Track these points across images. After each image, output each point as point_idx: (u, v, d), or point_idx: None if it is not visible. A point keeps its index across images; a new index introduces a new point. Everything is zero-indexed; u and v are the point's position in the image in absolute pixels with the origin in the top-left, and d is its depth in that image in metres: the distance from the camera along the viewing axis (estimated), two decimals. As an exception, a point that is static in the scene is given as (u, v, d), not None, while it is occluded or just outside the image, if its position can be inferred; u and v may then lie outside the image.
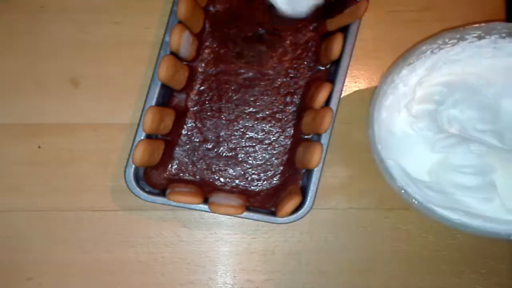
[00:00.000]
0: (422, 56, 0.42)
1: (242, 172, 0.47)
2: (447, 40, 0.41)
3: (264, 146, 0.47)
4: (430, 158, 0.43)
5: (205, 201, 0.44)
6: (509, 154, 0.42)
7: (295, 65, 0.48)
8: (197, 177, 0.47)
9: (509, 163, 0.42)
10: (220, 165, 0.47)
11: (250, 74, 0.48)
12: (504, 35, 0.41)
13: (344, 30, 0.44)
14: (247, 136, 0.48)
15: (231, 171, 0.47)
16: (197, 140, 0.47)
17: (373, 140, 0.41)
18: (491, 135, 0.43)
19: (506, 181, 0.42)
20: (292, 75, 0.48)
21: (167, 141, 0.46)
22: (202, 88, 0.47)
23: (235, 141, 0.47)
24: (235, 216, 0.45)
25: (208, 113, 0.47)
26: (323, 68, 0.47)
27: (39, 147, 0.48)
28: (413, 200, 0.40)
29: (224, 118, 0.47)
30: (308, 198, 0.44)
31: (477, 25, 0.41)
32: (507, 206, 0.41)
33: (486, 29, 0.41)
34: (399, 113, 0.43)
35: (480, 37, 0.41)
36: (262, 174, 0.47)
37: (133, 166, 0.44)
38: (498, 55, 0.43)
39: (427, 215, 0.40)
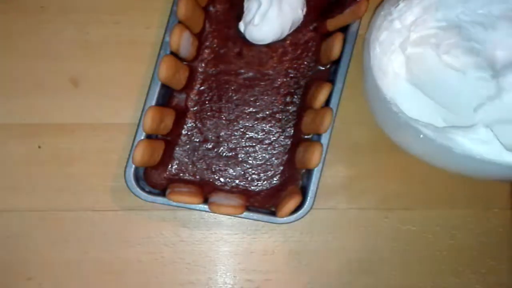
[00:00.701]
0: None
1: (242, 172, 0.47)
2: None
3: (264, 146, 0.47)
4: (424, 102, 0.42)
5: (205, 201, 0.44)
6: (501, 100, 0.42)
7: (295, 65, 0.48)
8: (197, 177, 0.47)
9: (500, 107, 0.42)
10: (220, 165, 0.47)
11: (250, 74, 0.48)
12: None
13: (344, 30, 0.45)
14: (247, 136, 0.48)
15: (231, 171, 0.47)
16: (197, 140, 0.47)
17: (370, 76, 0.39)
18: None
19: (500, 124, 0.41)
20: (292, 75, 0.48)
21: (167, 141, 0.46)
22: (202, 88, 0.47)
23: (235, 141, 0.48)
24: (235, 216, 0.45)
25: (208, 113, 0.47)
26: (323, 68, 0.47)
27: (39, 147, 0.48)
28: (413, 129, 0.38)
29: (224, 118, 0.47)
30: (308, 198, 0.44)
31: None
32: (507, 147, 0.39)
33: None
34: (392, 52, 0.42)
35: None
36: (262, 174, 0.47)
37: (133, 166, 0.44)
38: (494, 2, 0.42)
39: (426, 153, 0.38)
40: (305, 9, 0.46)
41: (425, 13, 0.42)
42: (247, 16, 0.45)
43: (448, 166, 0.41)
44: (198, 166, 0.47)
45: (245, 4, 0.45)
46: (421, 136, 0.38)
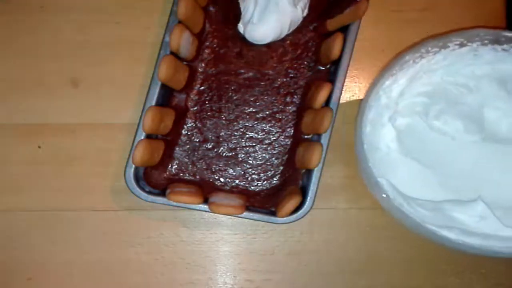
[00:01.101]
0: (404, 66, 0.41)
1: (242, 172, 0.47)
2: (429, 48, 0.40)
3: (264, 146, 0.47)
4: (419, 172, 0.42)
5: (205, 201, 0.44)
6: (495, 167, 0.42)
7: (295, 65, 0.48)
8: (197, 177, 0.47)
9: (498, 177, 0.42)
10: (220, 165, 0.47)
11: (250, 74, 0.48)
12: (486, 41, 0.40)
13: (344, 30, 0.45)
14: (247, 136, 0.48)
15: (231, 171, 0.47)
16: (197, 140, 0.47)
17: (363, 157, 0.40)
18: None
19: (496, 193, 0.41)
20: (292, 75, 0.48)
21: (167, 141, 0.46)
22: (202, 88, 0.47)
23: (235, 141, 0.48)
24: (235, 216, 0.45)
25: (208, 113, 0.47)
26: (323, 68, 0.47)
27: (39, 147, 0.48)
28: (411, 219, 0.39)
29: (224, 118, 0.47)
30: (308, 198, 0.44)
31: (459, 31, 0.40)
32: (504, 222, 0.39)
33: (469, 35, 0.40)
34: (383, 127, 0.42)
35: (462, 45, 0.41)
36: (262, 174, 0.47)
37: (133, 166, 0.44)
38: (477, 63, 0.42)
39: (425, 236, 0.39)
40: (306, 10, 0.46)
41: (410, 82, 0.42)
42: (245, 16, 0.45)
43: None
44: (198, 166, 0.47)
45: (241, 5, 0.45)
46: (425, 226, 0.39)
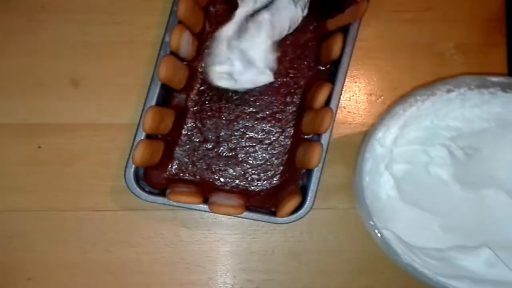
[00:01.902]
0: (395, 115, 0.41)
1: (242, 172, 0.47)
2: (418, 97, 0.41)
3: (264, 146, 0.47)
4: (422, 219, 0.42)
5: (205, 201, 0.44)
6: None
7: (295, 65, 0.48)
8: (197, 177, 0.47)
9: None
10: (220, 165, 0.47)
11: (250, 74, 0.47)
12: (472, 87, 0.40)
13: (344, 30, 0.44)
14: (247, 136, 0.48)
15: (231, 171, 0.47)
16: (197, 140, 0.47)
17: (366, 212, 0.40)
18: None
19: (500, 238, 0.41)
20: (292, 75, 0.48)
21: (167, 141, 0.46)
22: (202, 88, 0.47)
23: (235, 141, 0.48)
24: (235, 216, 0.45)
25: (208, 113, 0.47)
26: (323, 68, 0.47)
27: (39, 147, 0.48)
28: (417, 271, 0.39)
29: (224, 118, 0.47)
30: (308, 198, 0.44)
31: (446, 79, 0.41)
32: (509, 264, 0.39)
33: (456, 82, 0.40)
34: (381, 176, 0.42)
35: (449, 91, 0.41)
36: (262, 174, 0.47)
37: (133, 166, 0.44)
38: (465, 105, 0.42)
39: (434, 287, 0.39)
40: (306, 10, 0.46)
41: (402, 130, 0.42)
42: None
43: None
44: (198, 166, 0.47)
45: (240, 5, 0.45)
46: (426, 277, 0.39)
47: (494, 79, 0.40)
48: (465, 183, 0.42)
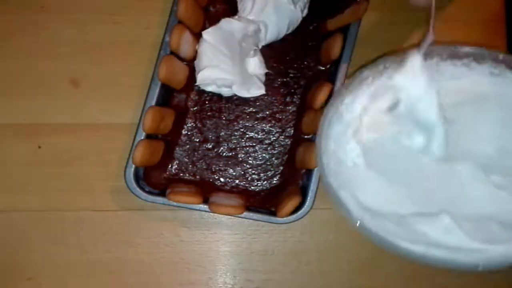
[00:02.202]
0: (364, 82, 0.40)
1: (242, 172, 0.47)
2: (388, 64, 0.39)
3: (264, 146, 0.47)
4: (387, 187, 0.41)
5: (205, 201, 0.44)
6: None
7: (295, 65, 0.48)
8: (197, 177, 0.47)
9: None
10: (220, 165, 0.47)
11: (250, 74, 0.48)
12: (444, 57, 0.39)
13: (344, 30, 0.45)
14: (247, 136, 0.48)
15: (231, 171, 0.47)
16: (197, 140, 0.47)
17: (323, 172, 0.39)
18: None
19: (464, 208, 0.40)
20: (292, 75, 0.48)
21: (167, 141, 0.46)
22: (202, 88, 0.47)
23: (235, 141, 0.48)
24: (235, 216, 0.45)
25: (208, 113, 0.47)
26: (323, 68, 0.47)
27: (39, 147, 0.48)
28: (373, 234, 0.38)
29: (224, 118, 0.47)
30: (308, 198, 0.44)
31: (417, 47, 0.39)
32: (470, 234, 0.39)
33: (427, 52, 0.39)
34: (348, 143, 0.41)
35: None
36: (262, 174, 0.47)
37: (133, 166, 0.44)
38: (441, 79, 0.40)
39: (389, 249, 0.38)
40: (306, 10, 0.46)
41: (374, 99, 0.40)
42: (241, 15, 0.44)
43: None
44: (198, 166, 0.47)
45: (239, 4, 0.45)
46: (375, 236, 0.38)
47: (466, 49, 0.39)
48: (433, 156, 0.41)
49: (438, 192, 0.41)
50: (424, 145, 0.41)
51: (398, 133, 0.42)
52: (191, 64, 0.47)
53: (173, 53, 0.44)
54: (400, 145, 0.42)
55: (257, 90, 0.45)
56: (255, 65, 0.45)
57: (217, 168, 0.47)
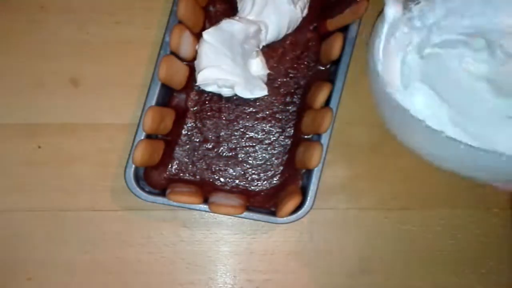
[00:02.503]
0: None
1: (242, 172, 0.47)
2: None
3: (264, 146, 0.47)
4: (433, 103, 0.39)
5: (205, 201, 0.44)
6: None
7: (295, 65, 0.48)
8: (197, 177, 0.47)
9: None
10: (220, 165, 0.47)
11: (250, 74, 0.48)
12: None
13: (344, 30, 0.45)
14: (247, 136, 0.48)
15: (231, 171, 0.47)
16: (197, 140, 0.47)
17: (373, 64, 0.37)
18: None
19: None
20: (292, 75, 0.48)
21: (167, 141, 0.46)
22: (202, 88, 0.47)
23: (235, 141, 0.48)
24: (235, 216, 0.45)
25: (208, 113, 0.47)
26: (323, 68, 0.47)
27: (39, 147, 0.48)
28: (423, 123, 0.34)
29: (224, 118, 0.47)
30: (308, 198, 0.44)
31: None
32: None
33: None
34: (409, 52, 0.39)
35: None
36: (262, 174, 0.47)
37: (133, 166, 0.44)
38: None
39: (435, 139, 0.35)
40: (306, 10, 0.46)
41: (449, 16, 0.39)
42: (241, 15, 0.44)
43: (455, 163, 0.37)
44: (198, 166, 0.47)
45: (239, 4, 0.45)
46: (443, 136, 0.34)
47: None
48: (496, 86, 0.39)
49: (482, 122, 0.39)
50: (485, 72, 0.39)
51: (463, 54, 0.40)
52: (191, 64, 0.47)
53: (173, 53, 0.44)
54: (461, 66, 0.40)
55: (260, 91, 0.45)
56: (258, 66, 0.45)
57: (217, 168, 0.47)
